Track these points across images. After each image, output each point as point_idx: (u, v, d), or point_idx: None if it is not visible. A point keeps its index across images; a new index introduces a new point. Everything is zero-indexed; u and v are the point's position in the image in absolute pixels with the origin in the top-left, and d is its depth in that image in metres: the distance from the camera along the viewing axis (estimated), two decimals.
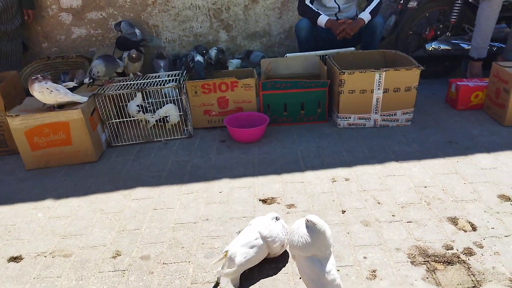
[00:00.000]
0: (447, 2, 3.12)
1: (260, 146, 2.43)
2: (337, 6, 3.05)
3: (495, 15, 2.84)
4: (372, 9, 2.91)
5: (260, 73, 2.92)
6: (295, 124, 2.70)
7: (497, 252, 1.49)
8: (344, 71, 2.42)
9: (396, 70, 2.41)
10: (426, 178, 1.99)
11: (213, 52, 3.53)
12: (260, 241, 1.44)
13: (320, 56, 2.88)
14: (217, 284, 1.44)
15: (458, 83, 2.73)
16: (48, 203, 2.02)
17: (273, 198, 1.91)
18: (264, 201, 1.89)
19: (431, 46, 3.17)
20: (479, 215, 1.70)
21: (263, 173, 2.13)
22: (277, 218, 1.52)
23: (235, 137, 2.52)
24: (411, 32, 3.29)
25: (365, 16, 2.91)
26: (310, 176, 2.08)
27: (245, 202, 1.89)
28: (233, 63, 3.46)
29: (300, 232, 1.24)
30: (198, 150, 2.44)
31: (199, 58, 2.76)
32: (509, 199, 1.78)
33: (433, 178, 1.99)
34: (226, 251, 1.41)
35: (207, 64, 2.75)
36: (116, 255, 1.61)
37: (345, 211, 1.78)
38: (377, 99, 2.49)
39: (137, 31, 3.47)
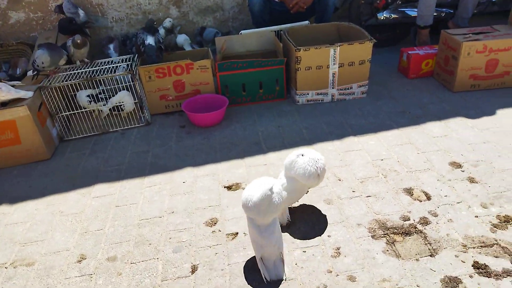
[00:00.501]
0: None
1: (221, 130, 2.41)
2: None
3: None
4: None
5: (215, 50, 2.85)
6: (255, 103, 2.68)
7: (450, 219, 1.59)
8: (299, 48, 2.41)
9: (350, 44, 2.43)
10: (382, 151, 2.06)
11: (161, 31, 3.40)
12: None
13: (275, 31, 2.84)
14: None
15: (409, 52, 2.80)
16: (3, 208, 1.93)
17: (237, 184, 1.92)
18: (229, 187, 1.90)
19: (383, 15, 3.20)
20: (433, 184, 1.79)
21: (226, 158, 2.12)
22: (302, 155, 1.55)
23: (194, 122, 2.48)
24: (363, 2, 3.30)
25: None
26: (272, 157, 2.10)
27: (209, 190, 1.89)
28: (181, 39, 3.37)
29: (246, 194, 1.32)
30: (158, 138, 2.38)
31: (149, 41, 2.64)
32: (460, 166, 1.89)
33: (388, 150, 2.06)
34: None
35: (158, 47, 2.64)
36: (81, 259, 1.58)
37: (308, 191, 1.82)
38: (333, 74, 2.51)
39: (80, 11, 3.26)
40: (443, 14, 3.19)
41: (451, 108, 2.39)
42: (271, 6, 3.04)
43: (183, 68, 2.55)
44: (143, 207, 1.83)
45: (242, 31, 2.88)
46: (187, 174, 2.03)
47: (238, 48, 2.91)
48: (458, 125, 2.21)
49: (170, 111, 2.67)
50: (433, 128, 2.21)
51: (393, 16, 3.20)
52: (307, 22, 2.91)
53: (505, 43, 2.42)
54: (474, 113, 2.31)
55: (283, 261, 1.43)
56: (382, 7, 3.24)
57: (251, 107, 2.65)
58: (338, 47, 2.42)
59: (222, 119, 2.51)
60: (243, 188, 1.88)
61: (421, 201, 1.70)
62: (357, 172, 1.92)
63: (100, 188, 1.99)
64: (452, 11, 3.18)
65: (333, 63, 2.47)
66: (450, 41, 2.55)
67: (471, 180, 1.79)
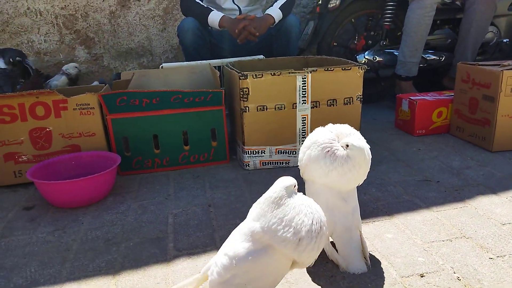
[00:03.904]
0: (376, 4, 2.40)
1: (97, 214, 1.27)
2: (237, 8, 2.16)
3: (427, 20, 2.12)
4: (283, 5, 2.05)
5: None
6: (177, 168, 1.60)
7: None
8: (246, 73, 1.44)
9: (328, 70, 1.48)
10: (415, 253, 0.98)
11: (60, 80, 2.37)
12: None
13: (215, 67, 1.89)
14: None
15: (411, 97, 1.90)
16: None
17: None
18: None
19: (364, 58, 2.37)
20: None
21: (83, 274, 0.96)
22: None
23: (50, 199, 1.33)
24: (335, 44, 2.49)
25: (274, 12, 2.03)
26: (181, 271, 0.96)
27: None
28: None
29: None
30: None
31: None
32: None
33: (427, 252, 0.99)
34: None
35: (11, 74, 1.59)
36: None
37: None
38: (303, 119, 1.51)
39: None
40: (442, 58, 2.40)
41: (502, 174, 1.41)
42: (211, 39, 2.14)
43: (48, 107, 1.48)
44: None
45: (163, 64, 1.91)
46: None
47: (158, 88, 1.90)
48: None
49: (23, 182, 1.52)
50: (492, 206, 1.19)
51: (378, 58, 2.38)
52: (261, 56, 2.00)
53: None
54: None
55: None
56: (361, 49, 2.44)
57: (169, 175, 1.55)
58: (309, 74, 1.47)
59: (108, 193, 1.38)
60: None
61: None
62: None
63: None
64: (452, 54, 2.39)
65: (303, 101, 1.49)
66: (477, 75, 1.67)
67: None
